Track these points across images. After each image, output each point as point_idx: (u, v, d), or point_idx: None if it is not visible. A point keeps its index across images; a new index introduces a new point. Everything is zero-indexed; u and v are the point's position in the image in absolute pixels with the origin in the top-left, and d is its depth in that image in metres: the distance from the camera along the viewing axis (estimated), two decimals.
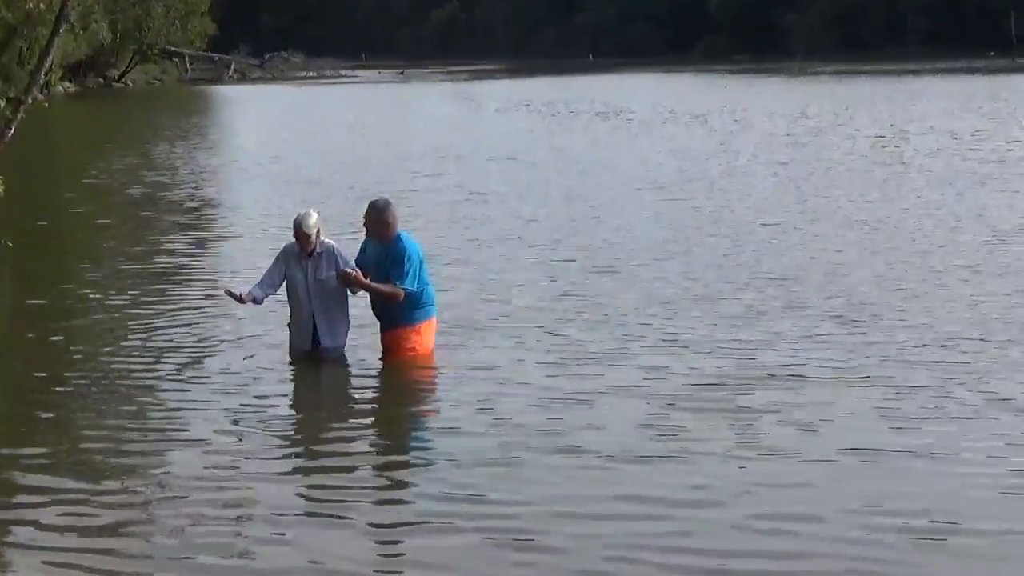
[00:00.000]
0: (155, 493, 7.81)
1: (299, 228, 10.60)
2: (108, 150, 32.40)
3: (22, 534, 7.26)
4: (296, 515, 7.43)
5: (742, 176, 23.57)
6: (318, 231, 10.61)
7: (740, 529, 7.04)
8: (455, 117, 43.42)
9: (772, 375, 10.02)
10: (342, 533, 7.14)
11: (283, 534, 7.10)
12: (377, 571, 6.73)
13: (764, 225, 17.50)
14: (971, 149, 26.96)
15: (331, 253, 10.67)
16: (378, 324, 10.91)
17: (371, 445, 8.93)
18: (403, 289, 10.48)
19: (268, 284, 10.87)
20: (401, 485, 7.97)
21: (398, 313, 10.68)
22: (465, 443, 8.53)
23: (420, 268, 10.61)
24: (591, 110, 43.40)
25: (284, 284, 10.87)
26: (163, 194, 23.54)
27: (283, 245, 11.07)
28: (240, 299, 10.79)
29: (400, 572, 6.72)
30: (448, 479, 7.89)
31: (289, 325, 10.98)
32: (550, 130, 35.89)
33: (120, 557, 6.88)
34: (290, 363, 10.80)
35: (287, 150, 31.72)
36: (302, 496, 7.77)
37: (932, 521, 7.14)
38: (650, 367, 10.29)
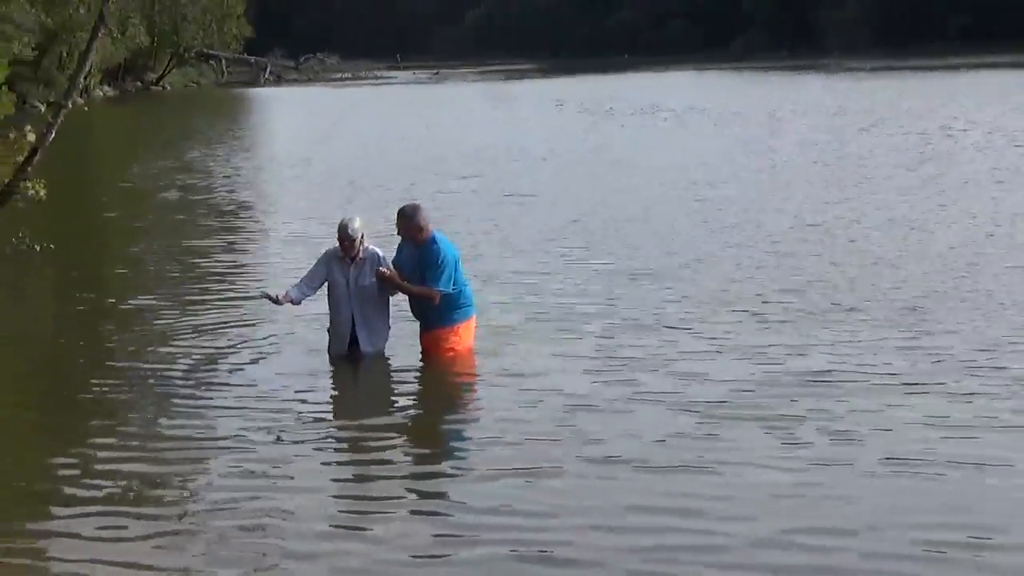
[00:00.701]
0: (191, 500, 7.82)
1: (343, 232, 10.62)
2: (147, 153, 32.53)
3: (59, 543, 7.27)
4: (326, 525, 7.35)
5: (782, 176, 23.37)
6: (362, 236, 10.64)
7: (774, 544, 6.86)
8: (490, 117, 43.36)
9: (814, 381, 9.82)
10: (371, 546, 7.06)
11: (311, 544, 7.05)
12: None
13: (809, 225, 17.29)
14: (1018, 146, 26.67)
15: (375, 259, 10.68)
16: (417, 325, 10.98)
17: (405, 453, 8.75)
18: (438, 291, 10.52)
19: (307, 286, 10.88)
20: (433, 496, 7.84)
21: (436, 314, 10.73)
22: (499, 453, 8.39)
23: (455, 269, 10.62)
24: (627, 109, 43.25)
25: (324, 287, 10.88)
26: (201, 197, 23.59)
27: (326, 249, 11.08)
28: (277, 301, 10.82)
29: None
30: (479, 490, 7.77)
31: (329, 329, 11.00)
32: (585, 130, 35.77)
33: (155, 567, 6.86)
34: (329, 366, 10.80)
35: (323, 152, 31.76)
36: (333, 505, 7.70)
37: (978, 537, 6.88)
38: (688, 373, 10.13)
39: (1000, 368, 10.01)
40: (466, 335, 10.92)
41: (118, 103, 62.70)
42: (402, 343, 11.08)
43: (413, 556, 6.93)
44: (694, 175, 23.73)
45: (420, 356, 10.86)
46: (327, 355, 10.95)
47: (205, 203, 22.74)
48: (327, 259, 10.86)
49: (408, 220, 10.60)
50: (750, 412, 9.06)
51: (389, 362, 10.84)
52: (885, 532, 6.96)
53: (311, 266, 11.08)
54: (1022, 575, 6.54)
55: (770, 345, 10.92)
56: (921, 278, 13.62)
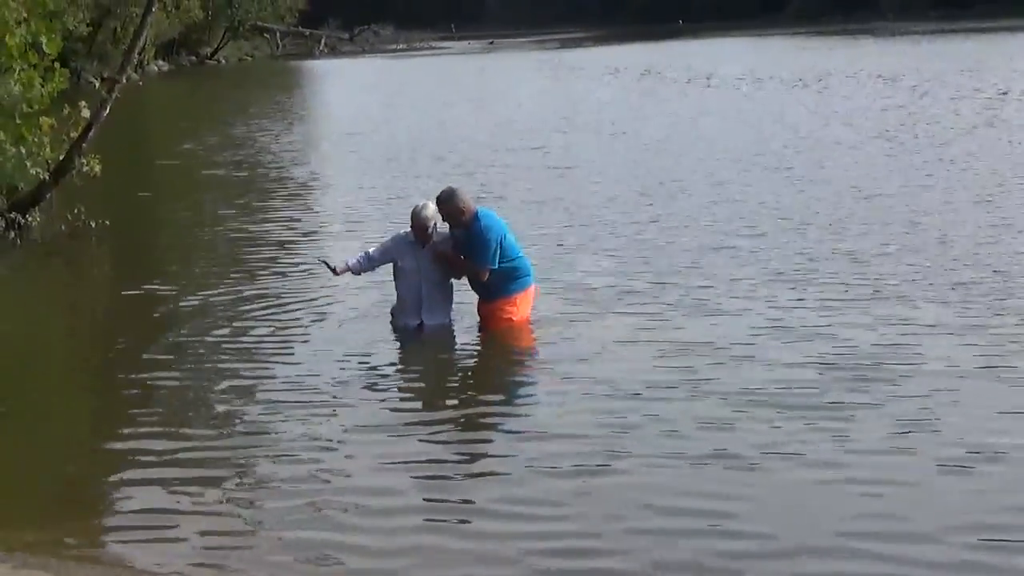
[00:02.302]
0: (247, 475, 7.78)
1: (416, 218, 10.76)
2: (201, 128, 32.59)
3: (115, 519, 7.29)
4: (366, 508, 7.20)
5: (843, 145, 23.02)
6: (435, 223, 10.73)
7: (821, 550, 6.39)
8: (545, 87, 43.10)
9: (875, 364, 9.30)
10: (405, 528, 6.92)
11: (354, 524, 6.95)
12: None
13: (868, 198, 16.94)
14: None
15: (445, 243, 10.84)
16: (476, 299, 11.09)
17: (451, 438, 8.42)
18: (485, 270, 10.68)
19: (370, 260, 11.05)
20: (470, 487, 7.48)
21: (494, 287, 10.84)
22: (543, 447, 7.95)
23: (502, 244, 10.71)
24: (683, 77, 42.85)
25: (390, 269, 11.04)
26: (256, 172, 23.58)
27: (395, 233, 11.22)
28: (334, 271, 10.95)
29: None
30: (517, 480, 7.45)
31: (393, 308, 11.09)
32: (641, 99, 35.49)
33: (207, 546, 6.81)
34: (391, 338, 10.87)
35: (379, 126, 31.67)
36: (376, 487, 7.50)
37: None
38: (743, 357, 9.65)
39: None
40: (523, 305, 10.98)
41: (172, 78, 62.94)
42: (464, 314, 11.13)
43: (442, 541, 6.72)
44: (754, 145, 23.42)
45: (479, 327, 10.95)
46: (390, 326, 11.04)
47: (259, 178, 22.72)
48: (398, 242, 10.99)
49: (446, 205, 10.69)
50: (804, 399, 8.60)
51: (450, 334, 10.88)
52: (945, 536, 6.47)
53: (382, 242, 11.21)
54: None
55: (832, 325, 10.43)
56: (992, 251, 13.10)
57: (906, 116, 26.80)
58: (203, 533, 6.90)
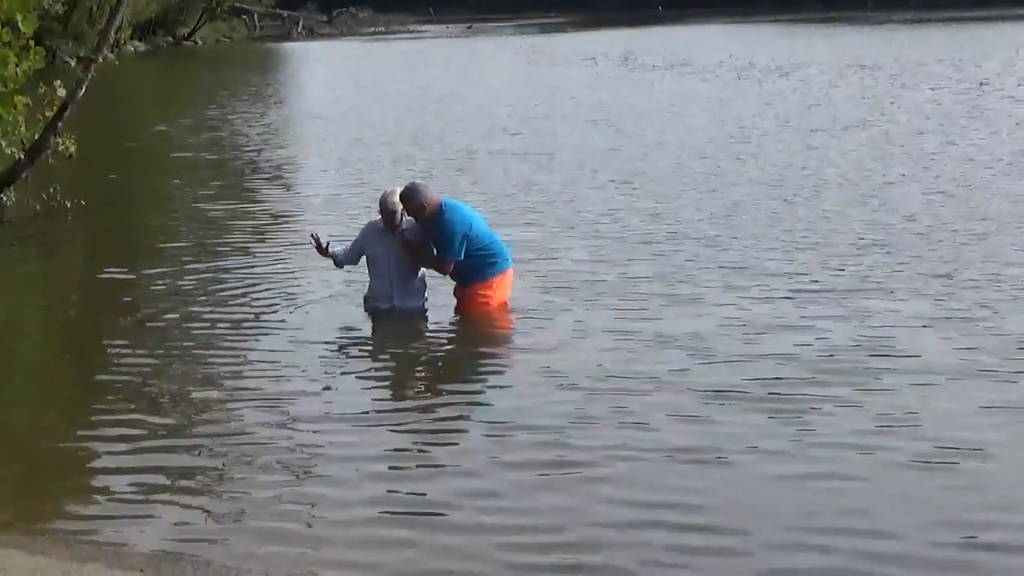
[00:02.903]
0: (225, 455, 7.78)
1: (384, 205, 10.80)
2: (178, 109, 32.40)
3: (88, 500, 7.28)
4: (331, 497, 7.18)
5: (821, 135, 23.01)
6: (403, 208, 10.70)
7: (787, 545, 6.33)
8: (523, 73, 43.00)
9: (851, 358, 9.20)
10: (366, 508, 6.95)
11: (319, 513, 6.92)
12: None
13: (845, 188, 16.91)
14: None
15: (415, 228, 10.82)
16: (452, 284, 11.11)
17: (419, 428, 8.32)
18: (449, 260, 10.73)
19: (348, 255, 11.07)
20: (435, 479, 7.35)
21: (470, 272, 10.87)
22: (508, 439, 7.88)
23: (469, 234, 10.72)
24: (663, 63, 42.79)
25: (364, 260, 11.06)
26: (232, 154, 23.48)
27: (366, 223, 11.25)
28: (321, 248, 10.94)
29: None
30: (482, 472, 7.36)
31: (366, 297, 11.07)
32: (620, 86, 35.45)
33: (178, 526, 6.82)
34: (365, 321, 10.90)
35: (354, 109, 31.56)
36: (340, 477, 7.47)
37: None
38: (715, 350, 9.50)
39: None
40: (500, 290, 11.01)
41: (149, 58, 62.55)
42: (438, 296, 11.13)
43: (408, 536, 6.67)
44: (737, 132, 23.42)
45: (455, 311, 10.96)
46: (362, 310, 11.03)
47: (233, 161, 22.60)
48: (368, 230, 11.06)
49: (408, 203, 10.71)
50: (780, 396, 8.46)
51: (423, 318, 10.89)
52: (913, 532, 6.40)
53: (355, 237, 11.22)
54: None
55: (812, 319, 10.31)
56: (977, 243, 13.05)
57: (886, 105, 26.85)
58: (173, 515, 6.91)
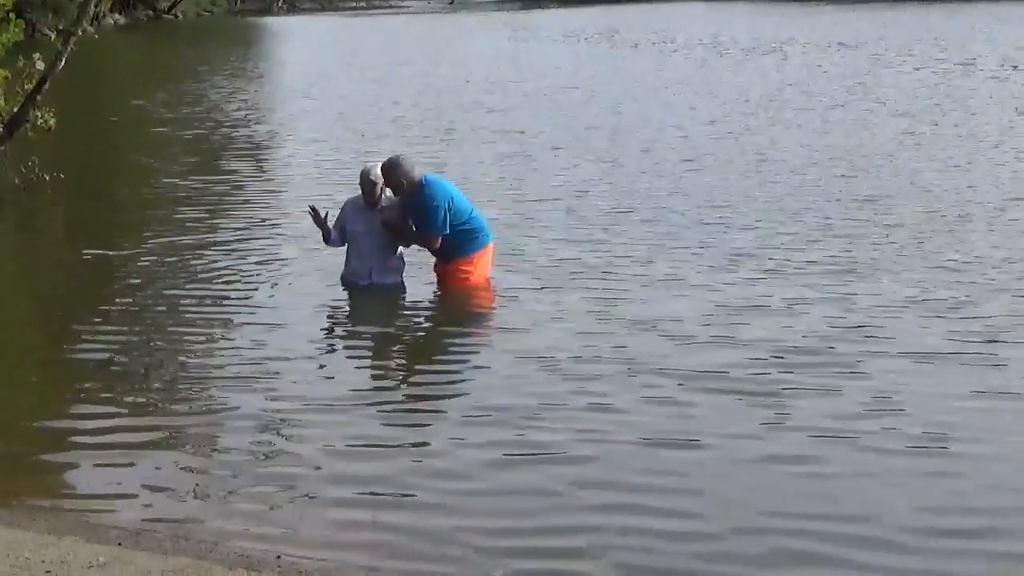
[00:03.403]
0: (203, 437, 7.76)
1: (365, 178, 10.77)
2: (158, 83, 32.23)
3: (68, 475, 7.25)
4: (304, 476, 7.26)
5: (803, 116, 23.05)
6: (383, 183, 10.67)
7: (758, 531, 6.23)
8: (504, 49, 42.92)
9: (833, 344, 9.07)
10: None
11: (293, 496, 6.85)
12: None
13: (828, 171, 16.94)
14: None
15: (395, 206, 10.82)
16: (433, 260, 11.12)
17: (393, 409, 8.23)
18: (435, 235, 10.70)
19: (336, 236, 11.02)
20: (406, 464, 7.23)
21: (451, 248, 10.84)
22: (478, 424, 7.69)
23: (451, 208, 10.69)
24: (645, 41, 42.75)
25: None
26: (212, 128, 23.36)
27: (345, 200, 11.22)
28: (319, 219, 10.85)
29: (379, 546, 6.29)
30: (451, 456, 7.27)
31: (344, 275, 11.05)
32: (603, 64, 35.40)
33: (157, 505, 6.80)
34: (343, 298, 10.87)
35: (334, 84, 31.46)
36: (308, 458, 7.50)
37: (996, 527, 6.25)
38: (693, 335, 9.36)
39: None
40: (481, 265, 11.01)
41: (129, 32, 62.23)
42: (418, 271, 11.14)
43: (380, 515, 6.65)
44: (717, 112, 23.44)
45: (436, 285, 10.98)
46: (341, 288, 11.00)
47: (214, 136, 22.49)
48: (347, 209, 11.04)
49: (389, 176, 10.68)
50: (747, 381, 8.33)
51: (401, 295, 10.85)
52: (892, 517, 6.31)
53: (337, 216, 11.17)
54: None
55: (797, 303, 10.19)
56: (962, 225, 13.04)
57: (869, 85, 26.87)
58: (151, 491, 6.90)
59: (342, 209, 11.11)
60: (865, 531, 6.22)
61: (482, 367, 9.03)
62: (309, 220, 11.11)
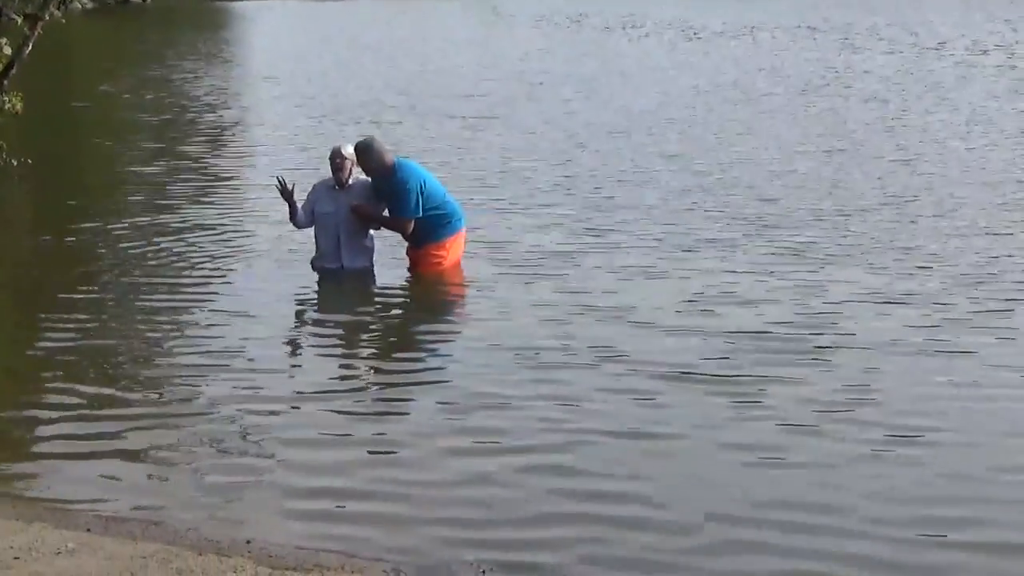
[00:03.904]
0: (172, 423, 7.73)
1: (337, 152, 10.74)
2: (126, 68, 32.06)
3: (38, 462, 7.23)
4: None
5: (772, 100, 23.08)
6: (353, 162, 10.67)
7: (722, 524, 6.18)
8: (475, 33, 42.84)
9: (802, 335, 9.01)
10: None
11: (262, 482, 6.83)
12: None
13: (796, 157, 16.94)
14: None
15: (363, 187, 10.80)
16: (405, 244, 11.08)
17: (361, 398, 8.17)
18: (408, 219, 10.66)
19: (303, 218, 10.92)
20: (369, 457, 7.15)
21: (423, 233, 10.82)
22: (442, 419, 7.63)
23: (424, 192, 10.67)
24: (616, 24, 42.72)
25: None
26: (179, 113, 23.23)
27: (315, 183, 11.17)
28: (287, 192, 10.74)
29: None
30: (415, 446, 7.22)
31: (313, 261, 11.01)
32: (570, 47, 35.36)
33: (132, 488, 6.80)
34: (314, 282, 10.83)
35: (303, 69, 31.33)
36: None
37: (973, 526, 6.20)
38: (660, 325, 9.29)
39: (1012, 329, 9.19)
40: (453, 250, 11.01)
41: (97, 16, 61.77)
42: (389, 260, 11.11)
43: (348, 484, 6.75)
44: (688, 100, 23.43)
45: (408, 270, 10.95)
46: (312, 271, 10.95)
47: (181, 121, 22.36)
48: (317, 189, 10.97)
49: (362, 157, 10.65)
50: (714, 372, 8.29)
51: (371, 280, 10.83)
52: (862, 511, 6.28)
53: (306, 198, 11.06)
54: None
55: (764, 291, 10.17)
56: (929, 212, 13.03)
57: (839, 70, 26.92)
58: (120, 477, 6.90)
59: (311, 191, 11.02)
60: (831, 521, 6.21)
61: (451, 357, 9.00)
62: (276, 194, 11.06)
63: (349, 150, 10.69)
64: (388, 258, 11.14)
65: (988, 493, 6.57)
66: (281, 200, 10.95)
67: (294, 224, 10.98)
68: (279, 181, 10.84)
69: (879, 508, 6.35)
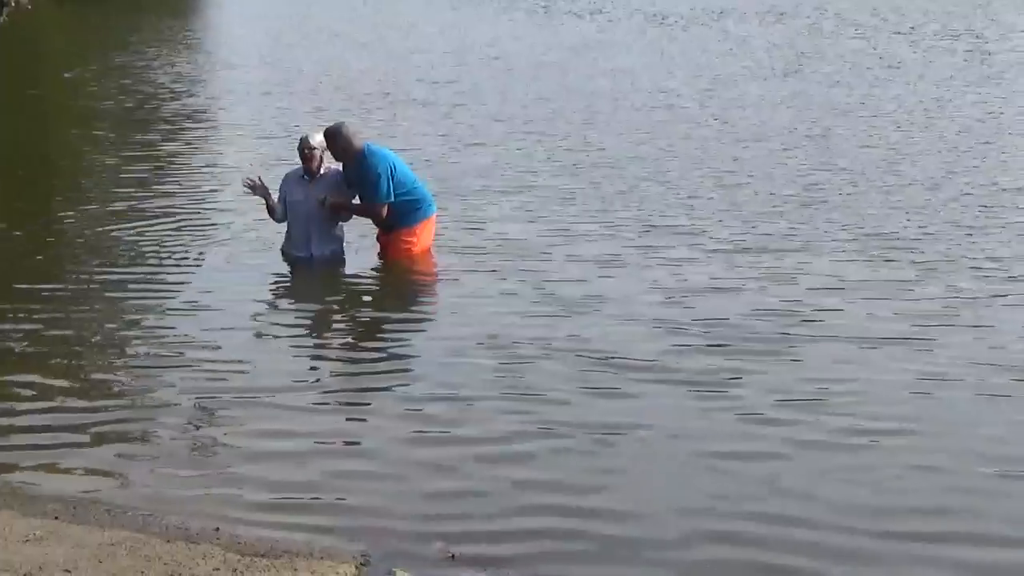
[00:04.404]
0: (139, 409, 7.78)
1: (305, 142, 10.71)
2: (89, 56, 31.76)
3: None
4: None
5: (740, 84, 23.08)
6: (323, 151, 10.66)
7: (684, 520, 6.16)
8: (442, 18, 42.72)
9: (771, 327, 8.95)
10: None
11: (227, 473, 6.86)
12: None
13: (765, 144, 16.94)
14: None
15: (334, 176, 10.78)
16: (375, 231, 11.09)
17: (324, 388, 8.19)
18: (381, 205, 10.65)
19: (280, 211, 10.91)
20: (324, 450, 7.17)
21: (393, 218, 10.82)
22: (406, 413, 7.58)
23: (394, 177, 10.65)
24: (582, 10, 42.68)
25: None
26: (143, 101, 22.90)
27: (285, 173, 11.13)
28: (260, 188, 10.75)
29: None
30: (377, 442, 7.21)
31: (283, 247, 11.02)
32: (534, 32, 35.32)
33: (94, 475, 6.84)
34: (284, 268, 10.85)
35: (272, 55, 31.16)
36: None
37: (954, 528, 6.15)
38: (626, 317, 9.24)
39: (980, 320, 9.17)
40: (424, 235, 11.02)
41: (64, 3, 61.34)
42: (361, 245, 11.15)
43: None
44: (658, 86, 23.43)
45: (378, 255, 10.96)
46: (281, 259, 10.97)
47: (145, 109, 22.02)
48: (286, 180, 10.95)
49: (332, 142, 10.65)
50: (689, 365, 8.23)
51: (341, 267, 10.86)
52: (830, 507, 6.27)
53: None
54: (1005, 573, 5.83)
55: (730, 279, 10.12)
56: (903, 201, 12.97)
57: (809, 54, 26.95)
58: (87, 464, 6.94)
59: (283, 181, 10.99)
60: (796, 513, 6.21)
61: (417, 347, 8.98)
62: (243, 191, 11.06)
63: (317, 139, 10.65)
64: (358, 244, 11.13)
65: (953, 485, 6.57)
66: (258, 199, 10.94)
67: (273, 219, 10.95)
68: (247, 181, 10.81)
69: (843, 499, 6.36)
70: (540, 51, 29.72)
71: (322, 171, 10.74)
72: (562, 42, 32.03)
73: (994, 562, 5.85)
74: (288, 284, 10.63)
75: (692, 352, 8.53)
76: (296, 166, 10.96)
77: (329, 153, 10.68)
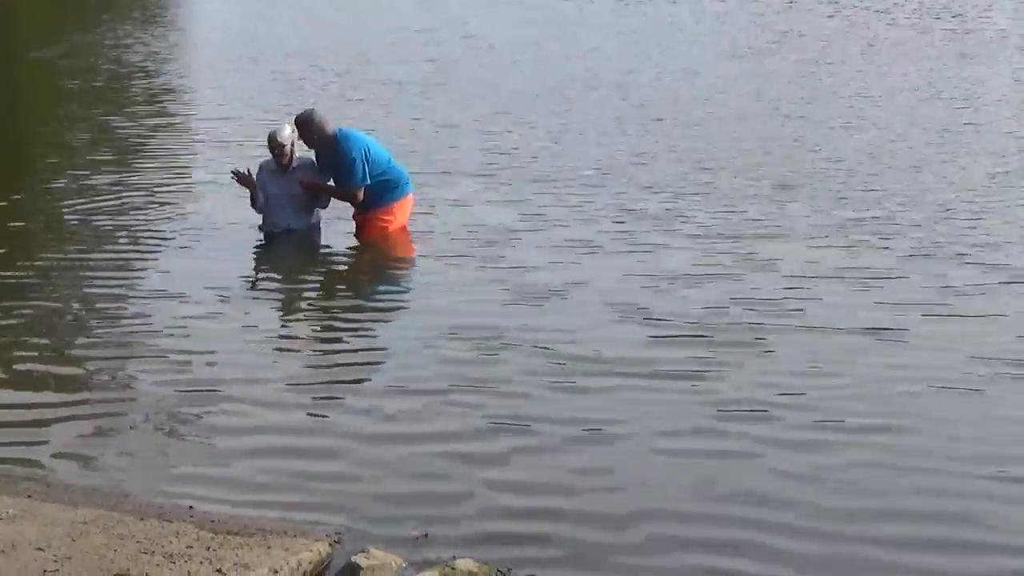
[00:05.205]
0: (115, 391, 7.81)
1: (273, 142, 10.72)
2: (67, 32, 31.51)
3: None
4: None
5: (728, 65, 23.01)
6: (293, 143, 10.68)
7: (656, 519, 6.10)
8: (432, 4, 42.53)
9: (743, 317, 8.80)
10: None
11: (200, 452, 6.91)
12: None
13: (741, 125, 16.79)
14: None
15: (307, 165, 10.85)
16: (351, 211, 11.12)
17: (296, 379, 8.06)
18: (356, 188, 10.70)
19: (263, 202, 10.92)
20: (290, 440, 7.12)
21: (369, 198, 10.88)
22: (374, 408, 7.49)
23: (368, 159, 10.68)
24: None
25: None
26: (114, 80, 22.74)
27: (258, 165, 11.12)
28: (246, 179, 10.77)
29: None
30: (356, 422, 7.23)
31: (261, 227, 11.04)
32: (511, 11, 35.20)
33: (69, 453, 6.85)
34: (258, 255, 10.84)
35: (246, 34, 30.96)
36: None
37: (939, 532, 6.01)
38: (602, 306, 9.13)
39: (958, 311, 9.01)
40: (400, 214, 11.07)
41: None
42: (336, 227, 11.17)
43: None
44: (631, 69, 23.34)
45: (354, 234, 10.98)
46: (256, 237, 11.03)
47: (117, 88, 21.84)
48: (260, 173, 10.96)
49: (304, 129, 10.69)
50: (650, 358, 8.09)
51: (317, 245, 10.96)
52: (807, 506, 6.20)
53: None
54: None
55: (714, 268, 9.96)
56: (890, 177, 12.93)
57: (783, 34, 26.91)
58: (62, 444, 6.96)
59: (258, 172, 10.97)
60: (766, 514, 6.12)
61: (390, 340, 8.88)
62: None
63: (286, 134, 10.66)
64: (334, 223, 11.15)
65: (929, 483, 6.47)
66: (244, 189, 10.94)
67: (254, 208, 10.95)
68: (236, 173, 10.79)
69: (816, 497, 6.29)
70: (516, 28, 29.58)
71: (294, 163, 10.73)
72: (535, 17, 31.88)
73: (974, 566, 5.74)
74: (259, 268, 10.59)
75: (667, 343, 8.38)
76: (269, 159, 10.96)
77: (301, 142, 10.65)
